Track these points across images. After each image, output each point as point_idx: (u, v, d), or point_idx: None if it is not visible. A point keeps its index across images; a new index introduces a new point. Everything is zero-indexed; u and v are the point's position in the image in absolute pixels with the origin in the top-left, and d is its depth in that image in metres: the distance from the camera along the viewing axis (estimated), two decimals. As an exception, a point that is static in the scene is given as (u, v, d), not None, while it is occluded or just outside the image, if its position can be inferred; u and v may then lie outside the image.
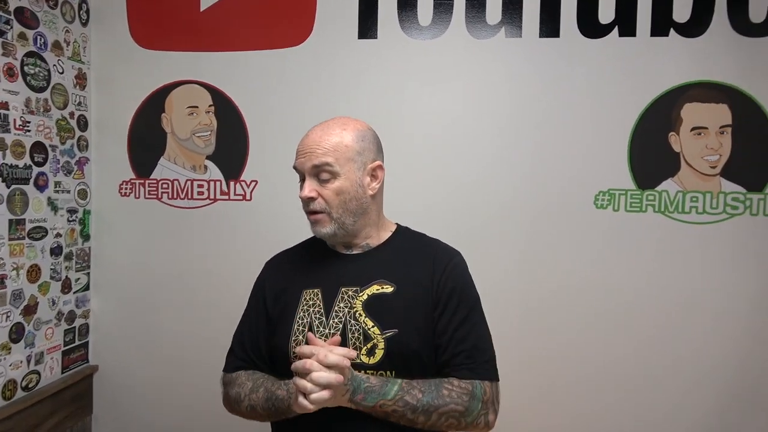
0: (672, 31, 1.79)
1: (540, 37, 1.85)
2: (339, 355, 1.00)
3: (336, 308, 1.12)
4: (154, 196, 2.07)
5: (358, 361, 1.08)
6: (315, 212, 1.14)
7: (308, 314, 1.13)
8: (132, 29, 2.05)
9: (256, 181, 2.01)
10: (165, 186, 2.06)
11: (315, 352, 1.00)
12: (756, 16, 1.75)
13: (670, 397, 1.84)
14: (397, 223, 1.27)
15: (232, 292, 1.99)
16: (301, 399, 0.99)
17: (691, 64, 1.79)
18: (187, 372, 2.07)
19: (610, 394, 1.86)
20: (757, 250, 1.77)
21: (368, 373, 1.06)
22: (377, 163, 1.18)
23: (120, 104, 2.07)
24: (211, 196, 2.04)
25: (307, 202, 1.14)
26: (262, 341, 1.20)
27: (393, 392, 1.03)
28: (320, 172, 1.12)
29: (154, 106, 2.05)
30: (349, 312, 1.11)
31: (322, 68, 1.96)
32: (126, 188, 2.08)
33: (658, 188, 1.82)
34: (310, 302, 1.14)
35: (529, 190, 1.87)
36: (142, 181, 2.07)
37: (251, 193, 2.01)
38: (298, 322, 1.13)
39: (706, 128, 1.79)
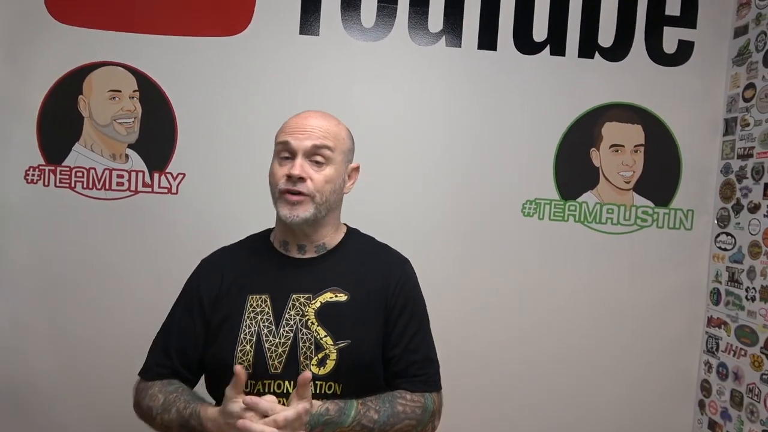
0: (597, 54, 1.92)
1: (478, 48, 1.91)
2: (297, 411, 0.94)
3: (287, 316, 1.07)
4: (66, 185, 1.89)
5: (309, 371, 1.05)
6: (297, 193, 1.07)
7: (255, 322, 1.08)
8: (47, 1, 1.86)
9: (184, 174, 1.90)
10: (79, 174, 1.89)
11: (271, 412, 0.94)
12: (669, 47, 1.93)
13: (582, 393, 1.97)
14: (345, 224, 1.25)
15: (154, 292, 1.89)
16: None
17: (612, 85, 1.93)
18: (102, 378, 1.91)
19: (528, 397, 1.96)
20: (661, 259, 1.95)
21: (322, 399, 1.03)
22: (357, 164, 1.19)
23: (29, 82, 1.87)
24: (132, 188, 1.90)
25: (293, 181, 1.07)
26: (192, 348, 1.12)
27: (350, 418, 1.01)
28: (316, 155, 1.08)
29: (69, 87, 1.87)
30: (300, 320, 1.07)
31: (261, 61, 1.90)
32: (33, 174, 1.89)
33: (579, 199, 1.95)
34: (258, 309, 1.09)
35: (463, 196, 1.93)
36: (53, 168, 1.89)
37: (177, 186, 1.90)
38: (244, 330, 1.07)
39: (623, 146, 1.94)
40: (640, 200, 1.95)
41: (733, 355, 1.81)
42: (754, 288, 1.74)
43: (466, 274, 1.93)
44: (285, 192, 1.09)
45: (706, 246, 1.96)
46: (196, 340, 1.13)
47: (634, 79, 1.93)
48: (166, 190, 1.90)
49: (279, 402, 0.99)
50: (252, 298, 1.10)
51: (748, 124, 1.81)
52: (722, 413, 1.84)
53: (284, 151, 1.10)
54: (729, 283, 1.85)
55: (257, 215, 1.84)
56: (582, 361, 1.96)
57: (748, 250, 1.78)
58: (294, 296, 1.10)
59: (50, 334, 1.92)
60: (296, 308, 1.08)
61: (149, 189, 1.90)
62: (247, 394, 1.03)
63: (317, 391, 1.06)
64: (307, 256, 1.16)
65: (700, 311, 1.97)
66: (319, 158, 1.09)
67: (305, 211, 1.08)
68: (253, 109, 1.90)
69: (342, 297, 1.10)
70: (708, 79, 1.93)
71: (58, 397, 1.93)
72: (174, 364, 1.13)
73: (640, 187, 1.95)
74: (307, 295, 1.10)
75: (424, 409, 1.07)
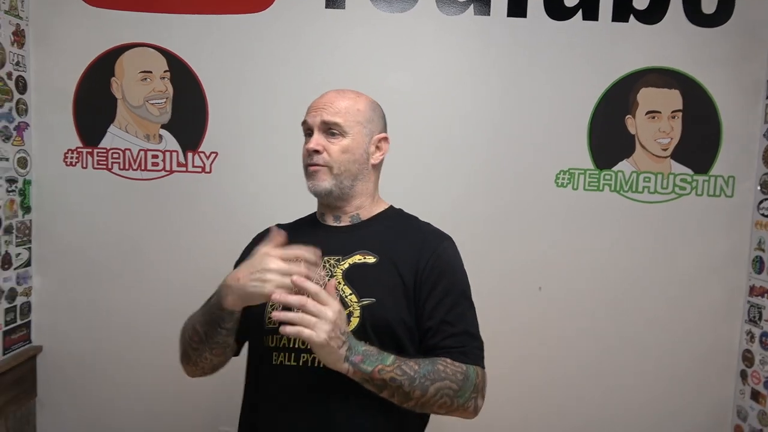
0: (632, 17, 1.86)
1: (508, 16, 1.87)
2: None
3: (316, 276, 1.07)
4: (104, 167, 1.94)
5: None
6: (315, 164, 1.14)
7: None
8: (78, -16, 1.89)
9: (216, 153, 1.93)
10: (115, 156, 1.93)
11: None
12: (707, 7, 1.85)
13: (623, 368, 1.95)
14: (390, 204, 1.26)
15: (190, 268, 1.95)
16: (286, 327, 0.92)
17: (648, 50, 1.87)
18: (139, 352, 1.98)
19: (566, 366, 1.95)
20: (701, 228, 1.90)
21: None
22: (384, 134, 1.21)
23: (64, 66, 1.91)
24: (167, 168, 1.94)
25: (311, 154, 1.14)
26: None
27: (390, 359, 0.99)
28: (329, 128, 1.13)
29: (102, 69, 1.91)
30: (329, 280, 1.09)
31: (287, 36, 1.89)
32: (72, 157, 1.94)
33: (615, 168, 1.90)
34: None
35: (495, 168, 1.91)
36: (90, 150, 1.93)
37: (211, 165, 1.93)
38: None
39: (660, 112, 1.88)
40: (678, 168, 1.89)
41: (777, 324, 1.77)
42: (799, 255, 1.69)
43: (498, 247, 1.92)
44: (306, 167, 1.17)
45: (748, 213, 1.90)
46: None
47: (671, 42, 1.86)
48: (199, 169, 1.93)
49: (302, 357, 1.05)
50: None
51: (793, 85, 1.74)
52: (765, 383, 1.81)
53: (306, 130, 1.18)
54: (772, 250, 1.80)
55: (290, 191, 1.88)
56: (619, 332, 1.94)
57: (793, 216, 1.72)
58: (325, 258, 1.12)
59: (92, 312, 1.99)
60: (326, 269, 1.12)
61: (183, 168, 1.93)
62: (272, 347, 1.08)
63: None
64: (341, 224, 1.20)
65: (742, 280, 1.92)
66: (333, 131, 1.14)
67: (323, 181, 1.14)
68: (281, 84, 1.90)
69: (371, 259, 1.13)
70: (749, 39, 1.85)
71: (103, 374, 2.00)
72: None
73: (678, 154, 1.89)
74: (337, 257, 1.13)
75: (465, 377, 1.04)
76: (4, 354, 1.84)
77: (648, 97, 1.88)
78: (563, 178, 1.91)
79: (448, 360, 1.05)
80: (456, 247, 1.20)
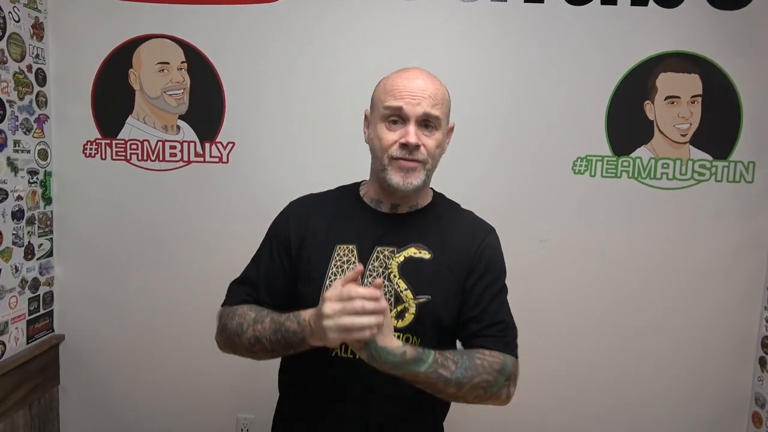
0: (651, 1, 1.83)
1: (525, 1, 1.85)
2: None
3: (370, 267, 1.10)
4: (122, 158, 1.96)
5: None
6: (413, 160, 1.08)
7: (342, 270, 1.10)
8: (93, -24, 1.90)
9: (234, 143, 1.94)
10: (134, 147, 1.95)
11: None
12: (728, -11, 1.82)
13: (642, 354, 1.95)
14: (431, 188, 1.24)
15: (208, 258, 1.97)
16: (332, 333, 0.92)
17: (668, 34, 1.84)
18: (159, 341, 2.02)
19: (585, 352, 1.95)
20: (720, 214, 1.89)
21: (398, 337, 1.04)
22: (453, 123, 1.19)
23: (82, 58, 1.92)
24: (185, 158, 1.95)
25: (410, 149, 1.07)
26: (279, 282, 1.15)
27: (426, 365, 0.98)
28: (428, 121, 1.08)
29: (120, 61, 1.92)
30: (383, 272, 1.09)
31: (303, 25, 1.89)
32: (91, 149, 1.96)
33: (633, 155, 1.89)
34: (344, 258, 1.11)
35: (512, 154, 1.90)
36: (109, 142, 1.95)
37: (228, 155, 1.94)
38: (330, 277, 1.10)
39: (679, 97, 1.86)
40: (697, 153, 1.87)
41: (798, 311, 1.75)
42: (821, 241, 1.67)
43: (515, 234, 1.90)
44: (399, 159, 1.08)
45: (769, 199, 1.88)
46: (284, 275, 1.15)
47: (691, 25, 1.83)
48: (217, 159, 1.94)
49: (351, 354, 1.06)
50: (340, 247, 1.12)
51: (816, 69, 1.71)
52: (785, 369, 1.80)
53: (394, 116, 1.08)
54: (793, 236, 1.78)
55: (308, 180, 1.88)
56: (638, 318, 1.94)
57: (816, 202, 1.70)
58: (378, 248, 1.11)
59: (113, 301, 2.02)
60: (380, 260, 1.10)
61: (201, 159, 1.95)
62: None
63: None
64: (398, 212, 1.17)
65: (762, 267, 1.91)
66: (430, 123, 1.08)
67: (418, 178, 1.08)
68: (297, 73, 1.90)
69: (426, 254, 1.12)
70: (771, 21, 1.83)
71: (123, 361, 2.04)
72: (260, 295, 1.15)
73: (697, 140, 1.87)
74: (391, 249, 1.11)
75: (502, 366, 1.05)
76: (27, 343, 1.88)
77: (667, 82, 1.86)
78: (581, 165, 1.89)
79: (486, 352, 1.05)
80: (498, 240, 1.20)
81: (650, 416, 1.97)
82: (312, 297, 1.08)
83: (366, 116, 1.18)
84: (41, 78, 1.88)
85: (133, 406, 2.05)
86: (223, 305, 1.19)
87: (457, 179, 1.87)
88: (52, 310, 2.00)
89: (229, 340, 1.11)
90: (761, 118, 1.85)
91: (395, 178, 1.08)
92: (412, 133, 1.06)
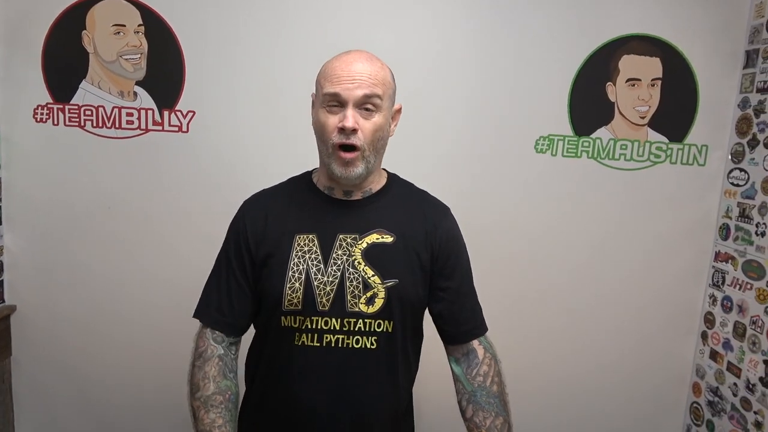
0: (616, -17, 1.85)
1: (491, -21, 1.84)
2: None
3: (334, 255, 1.10)
4: (76, 124, 1.88)
5: (357, 309, 1.08)
6: (350, 149, 1.07)
7: (304, 260, 1.10)
8: (43, -71, 1.78)
9: (194, 112, 1.88)
10: (88, 113, 1.87)
11: None
12: (691, -27, 1.85)
13: (596, 327, 2.03)
14: (384, 169, 1.24)
15: (165, 228, 1.93)
16: None
17: (631, 16, 1.86)
18: (114, 314, 1.98)
19: (538, 325, 2.02)
20: (672, 195, 1.96)
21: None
22: (400, 105, 1.17)
23: (31, 17, 1.81)
24: (142, 126, 1.88)
25: (347, 133, 1.05)
26: (247, 294, 1.15)
27: None
28: (366, 104, 1.06)
29: (72, 22, 1.82)
30: (347, 260, 1.10)
31: (267, -9, 1.83)
32: (42, 113, 1.87)
33: (593, 135, 1.93)
34: (305, 248, 1.11)
35: (476, 132, 1.91)
36: (61, 107, 1.87)
37: (188, 124, 1.88)
38: (293, 268, 1.09)
39: (640, 80, 1.90)
40: (654, 136, 1.93)
41: (739, 289, 1.85)
42: (764, 223, 1.76)
43: (478, 210, 1.93)
44: (338, 147, 1.07)
45: (719, 182, 1.95)
46: (249, 282, 1.15)
47: (655, 9, 1.86)
48: (176, 129, 1.88)
49: (325, 337, 1.08)
50: (299, 237, 1.12)
51: (770, 57, 1.77)
52: (724, 344, 1.90)
53: (333, 101, 1.07)
54: (739, 218, 1.86)
55: (270, 153, 1.86)
56: (589, 292, 2.01)
57: (761, 186, 1.78)
58: (341, 236, 1.11)
59: (67, 272, 1.96)
60: (343, 248, 1.11)
61: (159, 127, 1.88)
62: (294, 327, 1.09)
63: (368, 329, 1.10)
64: (353, 198, 1.16)
65: (708, 246, 1.99)
66: (369, 106, 1.07)
67: (358, 168, 1.08)
68: (263, 43, 1.85)
69: (388, 238, 1.12)
70: (730, 9, 1.86)
71: (78, 332, 2.00)
72: (230, 314, 1.15)
73: (655, 123, 1.92)
74: (353, 236, 1.12)
75: (495, 360, 1.20)
76: (-23, 314, 1.82)
77: (629, 64, 1.89)
78: (543, 144, 1.92)
79: (484, 367, 1.18)
80: (454, 218, 1.24)
81: (598, 386, 2.06)
82: (276, 289, 1.09)
83: (312, 100, 1.17)
84: (-14, 36, 1.77)
85: (87, 378, 2.02)
86: (197, 315, 1.18)
87: (421, 156, 1.89)
88: (2, 281, 1.94)
89: (189, 379, 1.14)
90: (716, 103, 1.91)
91: (338, 169, 1.09)
92: (349, 117, 1.05)
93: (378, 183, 1.19)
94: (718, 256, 1.96)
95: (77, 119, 1.87)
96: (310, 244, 1.11)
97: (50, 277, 1.97)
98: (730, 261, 1.90)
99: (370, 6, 1.85)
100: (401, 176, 1.28)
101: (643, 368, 2.06)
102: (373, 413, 1.14)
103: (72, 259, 1.96)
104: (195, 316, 1.18)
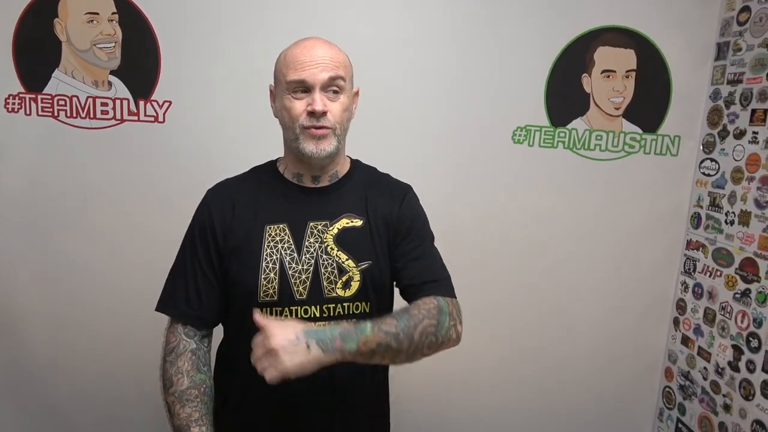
0: (592, -25, 1.87)
1: (468, -29, 1.84)
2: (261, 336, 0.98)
3: (306, 243, 1.11)
4: (49, 114, 1.84)
5: (334, 294, 1.09)
6: (321, 127, 1.08)
7: (277, 250, 1.10)
8: None
9: (170, 102, 1.85)
10: (62, 103, 1.84)
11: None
12: (665, -35, 1.88)
13: (564, 311, 2.07)
14: (348, 156, 1.26)
15: (141, 220, 1.91)
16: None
17: (607, 8, 1.89)
18: (88, 307, 1.96)
19: (517, 313, 2.05)
20: (646, 185, 2.00)
21: (324, 324, 1.04)
22: (358, 88, 1.19)
23: (1, 5, 1.76)
24: (118, 117, 1.86)
25: (317, 116, 1.07)
26: (214, 284, 1.14)
27: (368, 328, 1.00)
28: (332, 86, 1.08)
29: (44, 9, 1.77)
30: (320, 247, 1.11)
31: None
32: (13, 103, 1.83)
33: (569, 126, 1.95)
34: (277, 238, 1.11)
35: (453, 123, 1.92)
36: (33, 96, 1.83)
37: (164, 114, 1.86)
38: (266, 259, 1.10)
39: (615, 71, 1.92)
40: (628, 126, 1.96)
41: (709, 276, 1.90)
42: (733, 212, 1.80)
43: (455, 200, 1.96)
44: (309, 128, 1.08)
45: (690, 172, 2.00)
46: (216, 274, 1.14)
47: (630, 1, 1.88)
48: (152, 119, 1.86)
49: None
50: (270, 227, 1.12)
51: (740, 49, 1.80)
52: (695, 329, 1.96)
53: (298, 87, 1.08)
54: (710, 207, 1.91)
55: (247, 142, 1.85)
56: (565, 281, 2.05)
57: (731, 176, 1.82)
58: (312, 224, 1.12)
59: (41, 264, 1.93)
60: (315, 235, 1.12)
61: (135, 117, 1.86)
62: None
63: (347, 312, 1.11)
64: (320, 185, 1.17)
65: (680, 235, 2.04)
66: (334, 88, 1.09)
67: (329, 145, 1.09)
68: (240, 32, 1.83)
69: (358, 222, 1.14)
70: (703, 1, 1.89)
71: (52, 324, 1.96)
72: (199, 307, 1.14)
73: (630, 114, 1.95)
74: (324, 222, 1.13)
75: (439, 309, 1.08)
76: (-50, 307, 1.78)
77: (604, 55, 1.91)
78: (520, 135, 1.94)
79: (419, 302, 1.09)
80: (416, 195, 1.26)
81: (573, 373, 2.11)
82: (249, 282, 1.09)
83: (271, 91, 1.17)
84: (-46, 24, 1.73)
85: (62, 373, 1.99)
86: (163, 309, 1.16)
87: (398, 148, 1.89)
88: (-24, 274, 1.90)
89: (161, 375, 1.13)
90: (688, 95, 1.95)
91: (309, 146, 1.08)
92: (317, 101, 1.06)
93: (343, 167, 1.21)
94: (689, 244, 2.01)
95: (50, 109, 1.84)
96: (282, 234, 1.12)
97: (24, 271, 1.93)
98: (700, 249, 1.95)
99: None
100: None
101: (618, 354, 2.11)
102: (356, 394, 1.16)
103: (48, 250, 1.92)
104: (160, 309, 1.16)
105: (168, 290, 1.17)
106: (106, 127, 1.86)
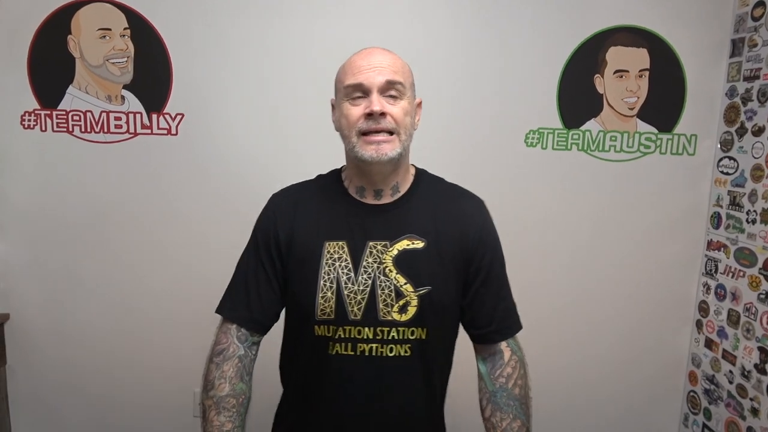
0: (601, -25, 1.85)
1: (478, -26, 1.84)
2: None
3: (364, 263, 1.07)
4: (64, 129, 1.87)
5: (390, 318, 1.05)
6: (383, 131, 1.03)
7: (334, 269, 1.07)
8: (25, -66, 1.77)
9: (183, 115, 1.87)
10: (76, 118, 1.86)
11: None
12: (677, -36, 1.85)
13: (591, 317, 2.04)
14: (412, 164, 1.20)
15: (158, 233, 1.93)
16: None
17: (618, 8, 1.87)
18: (108, 317, 1.98)
19: (534, 315, 2.00)
20: (663, 185, 1.96)
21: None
22: (420, 99, 1.14)
23: (16, 23, 1.81)
24: (131, 130, 1.88)
25: (375, 118, 1.02)
26: (273, 291, 1.12)
27: None
28: (390, 90, 1.04)
29: (57, 27, 1.81)
30: (378, 267, 1.06)
31: (253, -8, 1.82)
32: (29, 120, 1.86)
33: (583, 128, 1.93)
34: (335, 256, 1.07)
35: (466, 127, 1.91)
36: (49, 112, 1.86)
37: (177, 127, 1.88)
38: (323, 277, 1.06)
39: (628, 71, 1.90)
40: (643, 126, 1.93)
41: (732, 277, 1.85)
42: (755, 211, 1.76)
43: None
44: (366, 132, 1.03)
45: (709, 171, 1.96)
46: (279, 280, 1.12)
47: (641, 0, 1.86)
48: (165, 132, 1.88)
49: (359, 347, 1.06)
50: (329, 244, 1.08)
51: (755, 45, 1.77)
52: (719, 332, 1.91)
53: (356, 92, 1.04)
54: (730, 206, 1.87)
55: (261, 153, 1.86)
56: (585, 283, 2.02)
57: (751, 174, 1.78)
58: (371, 244, 1.08)
59: (60, 278, 1.96)
60: (373, 256, 1.07)
61: (148, 131, 1.88)
62: (327, 336, 1.07)
63: (401, 337, 1.07)
64: (382, 201, 1.12)
65: (700, 235, 2.00)
66: (393, 92, 1.04)
67: (392, 149, 1.03)
68: (250, 43, 1.84)
69: (419, 244, 1.09)
70: (716, -2, 1.87)
71: (73, 339, 1.99)
72: (258, 312, 1.12)
73: (644, 113, 1.92)
74: (384, 243, 1.08)
75: (521, 363, 1.17)
76: (-30, 323, 1.81)
77: (616, 55, 1.89)
78: (533, 138, 1.93)
79: (508, 368, 1.15)
80: (488, 213, 1.20)
81: (594, 377, 2.08)
82: (308, 298, 1.07)
83: (332, 105, 1.14)
84: (-29, 44, 1.76)
85: (84, 385, 2.01)
86: (220, 310, 1.15)
87: (411, 152, 1.88)
88: (-5, 289, 1.93)
89: (204, 371, 1.12)
90: (703, 93, 1.92)
91: (367, 151, 1.03)
92: (375, 101, 1.01)
93: (406, 179, 1.15)
94: (710, 244, 1.97)
95: (65, 125, 1.86)
96: (341, 252, 1.08)
97: (43, 284, 1.96)
98: (722, 249, 1.91)
99: (358, 4, 1.85)
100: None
101: (640, 358, 2.07)
102: (408, 418, 1.13)
103: (65, 264, 1.95)
104: (219, 311, 1.14)
105: (228, 293, 1.16)
106: (120, 141, 1.88)
